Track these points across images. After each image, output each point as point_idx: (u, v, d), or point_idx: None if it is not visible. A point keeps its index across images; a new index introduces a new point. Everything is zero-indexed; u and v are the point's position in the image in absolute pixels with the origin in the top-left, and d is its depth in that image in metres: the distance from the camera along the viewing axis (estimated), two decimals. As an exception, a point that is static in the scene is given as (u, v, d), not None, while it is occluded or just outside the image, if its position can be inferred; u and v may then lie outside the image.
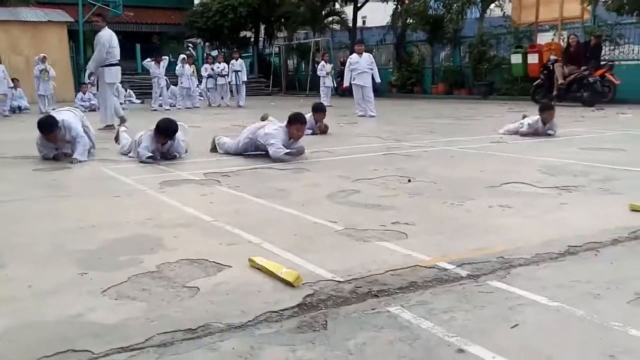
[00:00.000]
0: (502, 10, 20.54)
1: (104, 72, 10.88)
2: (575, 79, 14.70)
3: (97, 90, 11.50)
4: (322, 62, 18.90)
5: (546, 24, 18.24)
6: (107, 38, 10.85)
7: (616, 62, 15.85)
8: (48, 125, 6.59)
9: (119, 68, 11.24)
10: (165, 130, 6.46)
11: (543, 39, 18.16)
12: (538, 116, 8.35)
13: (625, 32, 16.62)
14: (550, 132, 8.30)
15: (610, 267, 2.83)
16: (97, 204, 4.54)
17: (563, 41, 16.63)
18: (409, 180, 5.11)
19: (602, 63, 15.03)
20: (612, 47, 16.65)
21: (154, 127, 6.51)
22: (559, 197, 4.36)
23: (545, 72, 15.55)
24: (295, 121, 6.53)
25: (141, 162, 6.46)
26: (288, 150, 6.41)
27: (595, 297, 2.44)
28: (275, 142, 6.38)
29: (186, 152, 6.96)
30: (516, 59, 17.62)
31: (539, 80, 15.72)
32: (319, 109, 9.35)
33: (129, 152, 6.98)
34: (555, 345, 2.04)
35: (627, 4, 13.99)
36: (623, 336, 2.08)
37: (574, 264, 2.89)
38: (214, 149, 7.18)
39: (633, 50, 16.71)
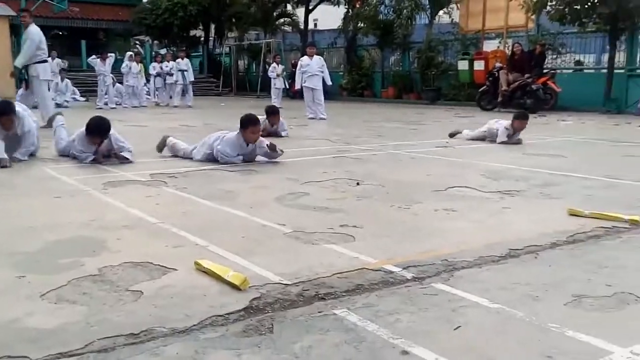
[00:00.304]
0: (450, 17, 21.01)
1: (37, 68, 10.56)
2: (518, 86, 15.15)
3: (26, 88, 11.08)
4: (274, 64, 18.86)
5: (492, 32, 18.75)
6: (38, 34, 10.64)
7: (558, 71, 16.44)
8: (5, 106, 6.28)
9: (48, 64, 11.09)
10: (96, 129, 6.11)
11: (489, 46, 18.67)
12: (510, 122, 8.31)
13: (566, 42, 17.24)
14: (520, 140, 8.27)
15: (549, 269, 2.93)
16: (37, 205, 4.39)
17: (508, 49, 17.12)
18: (358, 184, 5.15)
19: (544, 71, 15.55)
20: (554, 56, 17.24)
21: (85, 127, 6.20)
22: (501, 202, 4.48)
23: (490, 78, 15.96)
24: (248, 123, 6.17)
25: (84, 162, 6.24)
26: (242, 157, 6.19)
27: (534, 299, 2.52)
28: (226, 154, 6.15)
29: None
30: (463, 65, 18.05)
31: (485, 87, 16.14)
32: (273, 112, 9.13)
33: (67, 152, 6.62)
34: (496, 346, 2.09)
35: (569, 14, 14.51)
36: (560, 337, 2.15)
37: (514, 266, 2.98)
38: (161, 149, 6.96)
39: (574, 59, 17.35)
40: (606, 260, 3.05)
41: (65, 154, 6.66)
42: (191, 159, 6.49)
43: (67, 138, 6.79)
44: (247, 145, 6.23)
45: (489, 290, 2.60)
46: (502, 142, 8.14)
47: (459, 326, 2.25)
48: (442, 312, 2.38)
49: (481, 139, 8.55)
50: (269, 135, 8.48)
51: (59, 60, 18.69)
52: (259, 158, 6.37)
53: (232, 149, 6.20)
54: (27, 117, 6.54)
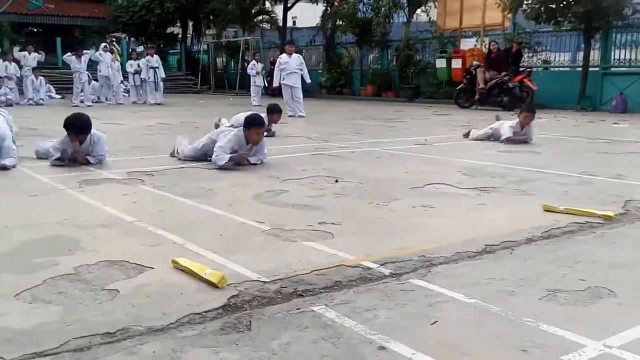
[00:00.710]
0: (428, 15, 21.11)
1: None
2: (495, 84, 15.30)
3: None
4: (253, 62, 18.80)
5: (469, 30, 18.89)
6: None
7: (534, 69, 16.63)
8: None
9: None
10: (74, 125, 5.77)
11: (466, 44, 18.81)
12: (517, 119, 8.12)
13: (542, 40, 17.44)
14: (527, 138, 7.99)
15: (524, 265, 2.97)
16: (12, 204, 4.33)
17: (485, 47, 17.27)
18: (337, 181, 5.16)
19: (521, 69, 15.73)
20: (530, 54, 17.44)
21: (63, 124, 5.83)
22: (478, 198, 4.53)
23: (468, 76, 16.09)
24: (253, 124, 5.92)
25: (52, 164, 5.90)
26: (230, 156, 5.82)
27: (510, 294, 2.55)
28: (218, 149, 5.85)
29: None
30: (441, 63, 18.16)
31: (462, 85, 16.27)
32: (275, 110, 8.59)
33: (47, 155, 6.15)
34: (472, 340, 2.11)
35: (545, 12, 14.69)
36: (534, 331, 2.19)
37: (490, 262, 3.01)
38: (173, 154, 6.55)
39: (550, 57, 17.57)
40: (580, 255, 3.10)
41: (44, 157, 6.19)
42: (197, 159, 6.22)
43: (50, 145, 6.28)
44: (248, 144, 5.97)
45: (465, 286, 2.63)
46: (507, 139, 7.89)
47: (436, 321, 2.27)
48: (419, 308, 2.40)
49: (486, 138, 8.31)
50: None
51: (36, 54, 18.38)
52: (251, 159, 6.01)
53: (228, 144, 5.91)
54: (3, 126, 6.07)
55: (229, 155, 5.82)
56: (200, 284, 2.61)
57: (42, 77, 18.14)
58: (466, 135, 8.74)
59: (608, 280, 2.72)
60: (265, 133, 8.54)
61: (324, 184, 5.08)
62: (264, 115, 8.50)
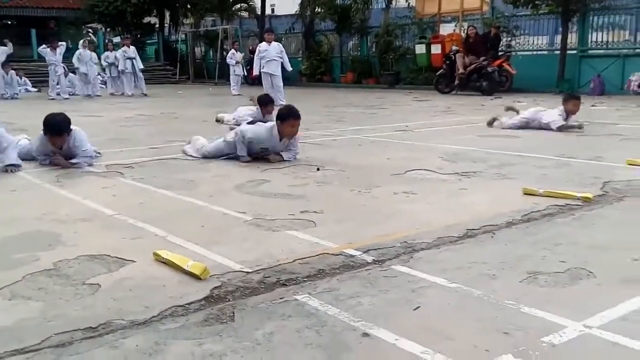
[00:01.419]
0: (407, 1, 21.07)
1: None
2: (474, 69, 15.36)
3: None
4: (232, 51, 18.66)
5: (448, 16, 18.91)
6: None
7: (513, 53, 16.71)
8: None
9: None
10: (49, 127, 5.37)
11: (445, 29, 18.83)
12: (562, 107, 7.70)
13: (521, 24, 17.52)
14: (573, 126, 7.61)
15: (504, 248, 3.00)
16: (-11, 200, 4.26)
17: (464, 32, 17.30)
18: (318, 169, 5.15)
19: (500, 54, 15.80)
20: (509, 39, 17.52)
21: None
22: (459, 183, 4.55)
23: (447, 62, 16.13)
24: (289, 116, 5.48)
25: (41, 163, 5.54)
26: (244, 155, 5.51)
27: (491, 278, 2.58)
28: (242, 142, 5.50)
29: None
30: (420, 49, 18.17)
31: (442, 70, 16.30)
32: (267, 101, 8.10)
33: (28, 155, 5.70)
34: (454, 324, 2.13)
35: (523, -4, 14.78)
36: (516, 314, 2.21)
37: (472, 246, 3.03)
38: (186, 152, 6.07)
39: (528, 41, 17.68)
40: (559, 238, 3.14)
41: (25, 157, 5.64)
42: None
43: (26, 143, 5.95)
44: (281, 140, 5.53)
45: (447, 270, 2.65)
46: (561, 127, 7.50)
47: (419, 306, 2.28)
48: (402, 294, 2.41)
49: (522, 126, 7.82)
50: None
51: (4, 47, 17.93)
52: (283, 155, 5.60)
53: (259, 136, 5.54)
54: None
55: (246, 154, 5.52)
56: (183, 276, 2.60)
57: (12, 71, 17.77)
58: (490, 123, 8.19)
59: (587, 261, 2.75)
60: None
61: (305, 172, 5.07)
62: (254, 108, 8.31)
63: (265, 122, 7.54)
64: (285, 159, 5.56)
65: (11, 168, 5.25)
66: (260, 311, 2.27)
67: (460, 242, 3.09)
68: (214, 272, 2.63)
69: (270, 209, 3.80)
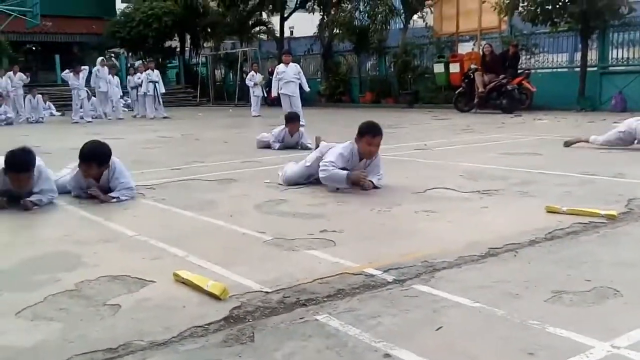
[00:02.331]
0: (424, 21, 21.14)
1: None
2: (494, 87, 15.30)
3: None
4: (252, 72, 18.84)
5: (466, 35, 18.92)
6: None
7: (532, 71, 16.62)
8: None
9: None
10: (85, 156, 4.76)
11: (464, 48, 18.82)
12: None
13: (539, 42, 17.45)
14: None
15: (528, 267, 2.94)
16: (12, 221, 4.31)
17: (482, 51, 17.28)
18: (337, 189, 5.10)
19: (519, 71, 15.72)
20: (528, 56, 17.45)
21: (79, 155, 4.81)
22: (480, 201, 4.50)
23: (466, 80, 16.09)
24: (366, 132, 4.97)
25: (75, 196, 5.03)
26: (347, 173, 4.89)
27: (515, 297, 2.53)
28: (327, 164, 4.95)
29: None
30: (439, 68, 18.19)
31: (461, 89, 16.26)
32: (293, 118, 8.03)
33: (62, 189, 5.05)
34: (478, 345, 2.09)
35: (541, 14, 14.72)
36: (541, 333, 2.16)
37: (494, 265, 2.98)
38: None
39: (547, 59, 17.59)
40: (584, 256, 3.07)
41: (62, 192, 5.03)
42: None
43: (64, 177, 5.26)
44: (360, 160, 5.03)
45: (469, 290, 2.61)
46: None
47: (441, 327, 2.24)
48: (424, 314, 2.37)
49: (617, 143, 7.28)
50: (286, 148, 7.83)
51: (21, 74, 18.32)
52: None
53: (339, 158, 4.97)
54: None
55: (347, 172, 4.90)
56: (203, 297, 2.59)
57: (39, 96, 18.19)
58: (569, 144, 7.68)
59: (613, 280, 2.69)
60: (281, 144, 8.03)
61: (324, 192, 5.05)
62: (281, 127, 8.09)
63: (295, 141, 7.59)
64: (376, 184, 5.00)
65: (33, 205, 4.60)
66: (280, 331, 2.25)
67: (483, 261, 3.04)
68: (234, 292, 2.61)
69: (290, 228, 3.79)
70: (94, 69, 17.93)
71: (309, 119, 13.70)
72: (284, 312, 2.44)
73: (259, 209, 4.46)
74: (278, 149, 8.11)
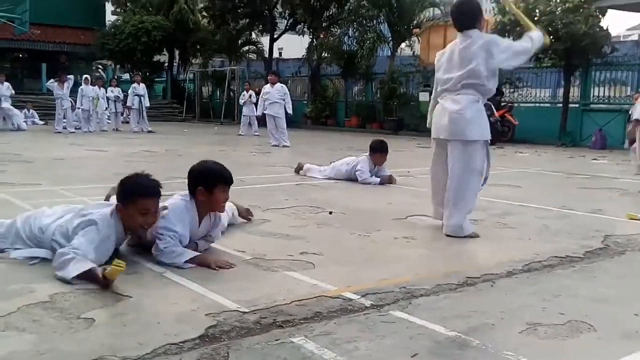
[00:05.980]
0: (412, 49, 21.45)
1: None
2: (477, 119, 15.47)
3: None
4: (244, 92, 18.82)
5: (452, 65, 19.15)
6: None
7: (515, 104, 16.88)
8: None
9: None
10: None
11: (450, 79, 19.03)
12: None
13: (523, 76, 17.74)
14: None
15: (504, 297, 2.97)
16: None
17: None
18: (330, 212, 5.09)
19: (502, 104, 15.96)
20: (511, 90, 17.73)
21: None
22: (460, 230, 4.53)
23: (450, 110, 16.25)
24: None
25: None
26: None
27: (490, 327, 2.54)
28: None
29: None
30: (424, 97, 18.35)
31: (445, 118, 16.42)
32: (382, 149, 7.26)
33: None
34: (452, 374, 2.09)
35: (526, 50, 15.02)
36: (514, 364, 2.17)
37: (471, 294, 3.00)
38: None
39: (531, 93, 17.89)
40: (560, 289, 3.11)
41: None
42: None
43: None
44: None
45: (446, 318, 2.62)
46: None
47: (416, 354, 2.25)
48: (400, 340, 2.38)
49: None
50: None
51: (9, 84, 17.87)
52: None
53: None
54: None
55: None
56: (179, 314, 2.57)
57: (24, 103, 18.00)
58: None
59: (588, 314, 2.72)
60: (378, 179, 7.10)
61: (306, 213, 5.07)
62: (362, 158, 7.12)
63: (375, 172, 7.29)
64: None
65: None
66: (255, 352, 2.24)
67: (460, 290, 3.06)
68: (210, 311, 2.60)
69: (270, 248, 3.79)
70: (79, 90, 17.60)
71: (294, 140, 13.77)
72: (259, 332, 2.43)
73: (240, 227, 4.45)
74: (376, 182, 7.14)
